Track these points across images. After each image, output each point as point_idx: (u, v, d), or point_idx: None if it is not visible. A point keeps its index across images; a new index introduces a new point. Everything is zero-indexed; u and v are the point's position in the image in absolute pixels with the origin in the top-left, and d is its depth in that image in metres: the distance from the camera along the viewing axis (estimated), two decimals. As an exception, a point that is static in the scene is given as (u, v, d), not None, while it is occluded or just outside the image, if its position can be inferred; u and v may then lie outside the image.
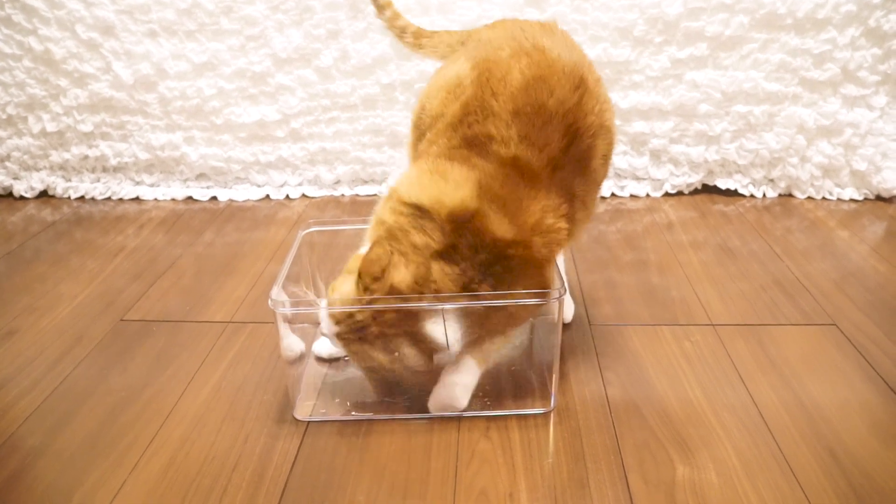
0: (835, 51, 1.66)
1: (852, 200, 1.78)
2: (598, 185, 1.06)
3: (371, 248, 0.90)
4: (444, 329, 1.20)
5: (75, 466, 0.93)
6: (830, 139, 1.75)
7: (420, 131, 1.08)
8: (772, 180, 1.82)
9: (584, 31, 1.68)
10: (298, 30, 1.72)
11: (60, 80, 1.79)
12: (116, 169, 1.92)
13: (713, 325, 1.22)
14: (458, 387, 0.99)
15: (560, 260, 1.30)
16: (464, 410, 1.01)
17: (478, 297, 0.94)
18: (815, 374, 1.08)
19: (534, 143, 0.93)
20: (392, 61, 1.73)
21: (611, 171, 1.83)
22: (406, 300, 0.92)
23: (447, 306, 0.93)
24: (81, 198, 1.90)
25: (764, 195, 1.81)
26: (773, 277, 1.39)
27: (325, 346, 1.13)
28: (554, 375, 1.04)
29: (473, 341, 0.98)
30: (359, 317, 0.91)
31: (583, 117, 0.96)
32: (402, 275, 0.90)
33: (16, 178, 1.93)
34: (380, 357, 0.93)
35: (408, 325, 0.92)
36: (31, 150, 1.89)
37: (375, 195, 1.85)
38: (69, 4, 1.72)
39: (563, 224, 0.95)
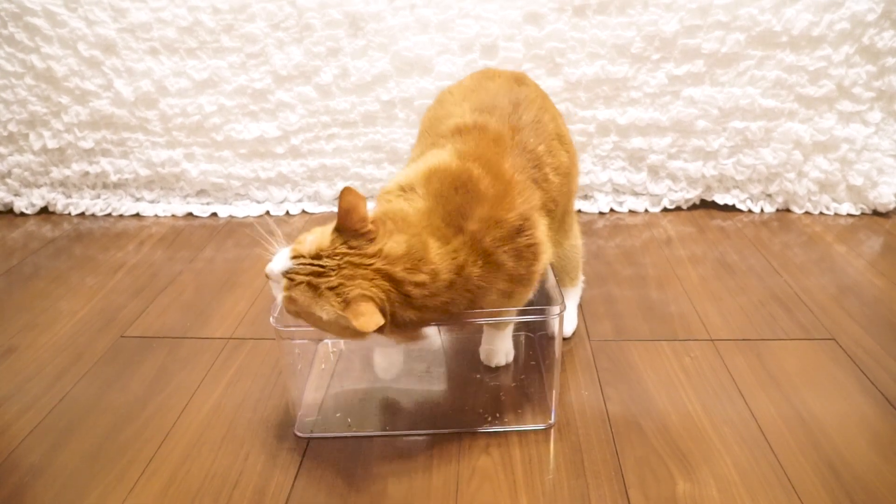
0: (830, 68, 1.68)
1: (849, 215, 1.79)
2: (564, 172, 1.05)
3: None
4: (441, 344, 1.21)
5: (75, 485, 0.92)
6: (827, 155, 1.76)
7: None
8: (769, 195, 1.83)
9: (582, 49, 1.69)
10: (299, 47, 1.74)
11: (62, 98, 1.80)
12: (117, 185, 1.92)
13: (712, 340, 1.22)
14: (492, 350, 1.13)
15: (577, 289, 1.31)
16: (466, 427, 1.01)
17: (483, 315, 0.95)
18: (813, 389, 1.08)
19: (484, 110, 1.02)
20: (391, 78, 1.75)
21: (609, 187, 1.84)
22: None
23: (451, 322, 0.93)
24: (82, 214, 1.91)
25: (762, 210, 1.82)
26: (772, 292, 1.39)
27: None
28: (554, 391, 1.04)
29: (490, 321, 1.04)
30: (325, 261, 0.85)
31: (525, 94, 1.04)
32: (396, 243, 0.86)
33: (16, 194, 1.93)
34: (319, 310, 0.85)
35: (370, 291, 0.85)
36: (31, 167, 1.89)
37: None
38: (71, 23, 1.73)
39: (530, 183, 0.95)
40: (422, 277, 0.85)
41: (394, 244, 0.85)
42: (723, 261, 1.54)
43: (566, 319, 1.23)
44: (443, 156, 0.96)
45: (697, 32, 1.67)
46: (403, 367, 1.16)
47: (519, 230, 0.91)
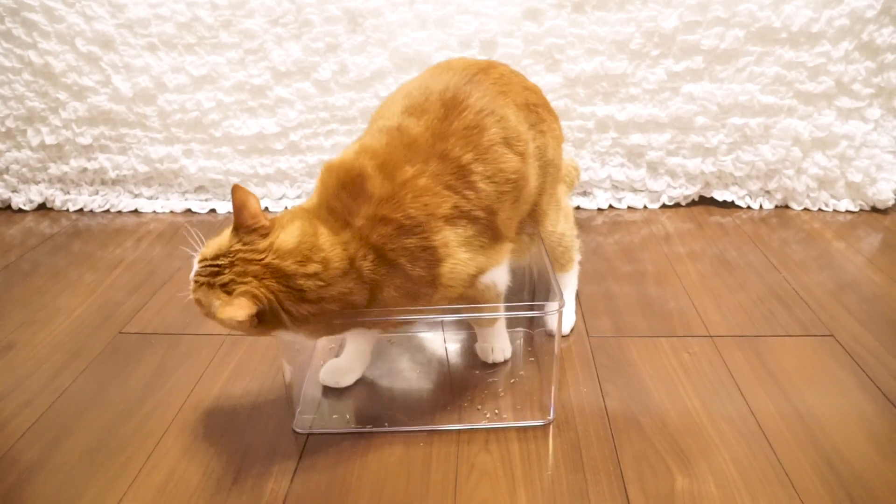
0: (829, 64, 1.67)
1: (848, 212, 1.79)
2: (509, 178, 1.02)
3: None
4: (443, 339, 1.21)
5: (74, 481, 0.92)
6: (826, 151, 1.76)
7: None
8: (768, 192, 1.83)
9: (581, 45, 1.69)
10: (297, 43, 1.73)
11: (60, 94, 1.80)
12: (115, 182, 1.92)
13: (711, 336, 1.22)
14: (486, 347, 1.15)
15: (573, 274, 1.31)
16: (465, 423, 1.01)
17: (475, 311, 0.95)
18: (812, 385, 1.08)
19: (413, 113, 1.00)
20: (390, 74, 1.74)
21: (608, 184, 1.84)
22: (405, 312, 0.93)
23: (446, 318, 0.94)
24: (80, 210, 1.91)
25: (760, 207, 1.82)
26: (770, 288, 1.39)
27: (332, 373, 1.12)
28: (553, 387, 1.04)
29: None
30: (221, 260, 0.88)
31: (467, 97, 1.00)
32: (287, 235, 0.88)
33: (14, 190, 1.93)
34: (213, 308, 0.88)
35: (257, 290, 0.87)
36: (29, 163, 1.89)
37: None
38: (69, 18, 1.73)
39: (441, 189, 0.93)
40: (313, 268, 0.86)
41: (285, 237, 0.88)
42: (721, 257, 1.54)
43: (564, 316, 1.22)
44: (347, 151, 0.98)
45: (697, 28, 1.67)
46: (397, 366, 1.16)
47: (408, 231, 0.90)
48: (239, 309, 0.83)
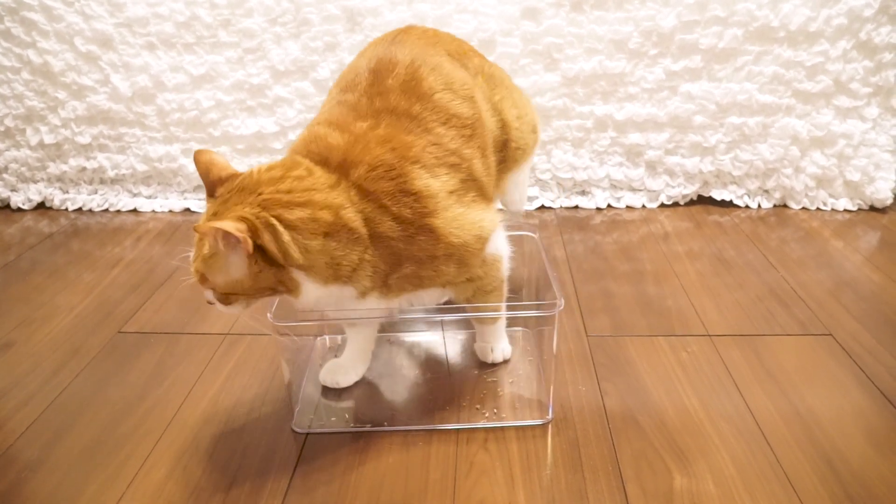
0: (827, 63, 1.68)
1: (846, 211, 1.79)
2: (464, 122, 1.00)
3: None
4: (442, 338, 1.21)
5: (73, 479, 0.92)
6: (824, 150, 1.76)
7: None
8: (766, 191, 1.83)
9: (580, 44, 1.69)
10: (296, 42, 1.73)
11: (59, 93, 1.80)
12: (114, 181, 1.92)
13: (709, 335, 1.23)
14: (485, 347, 1.14)
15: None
16: (464, 422, 1.01)
17: (476, 310, 0.95)
18: (810, 384, 1.08)
19: (347, 89, 1.00)
20: (389, 74, 1.74)
21: (606, 183, 1.84)
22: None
23: (446, 317, 0.94)
24: (79, 209, 1.91)
25: (759, 206, 1.82)
26: (769, 287, 1.39)
27: (333, 374, 1.11)
28: (551, 386, 1.05)
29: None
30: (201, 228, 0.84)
31: (392, 56, 0.99)
32: (270, 172, 0.87)
33: (13, 189, 1.93)
34: (205, 265, 0.85)
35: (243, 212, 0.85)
36: (28, 162, 1.89)
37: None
38: (68, 17, 1.73)
39: (403, 135, 0.92)
40: (302, 212, 0.84)
41: (268, 173, 0.86)
42: (720, 256, 1.54)
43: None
44: (304, 133, 0.98)
45: (695, 28, 1.67)
46: (396, 365, 1.16)
47: (383, 174, 0.88)
48: (229, 221, 0.79)
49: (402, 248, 0.90)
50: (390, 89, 0.96)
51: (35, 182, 1.93)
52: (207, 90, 1.79)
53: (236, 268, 0.83)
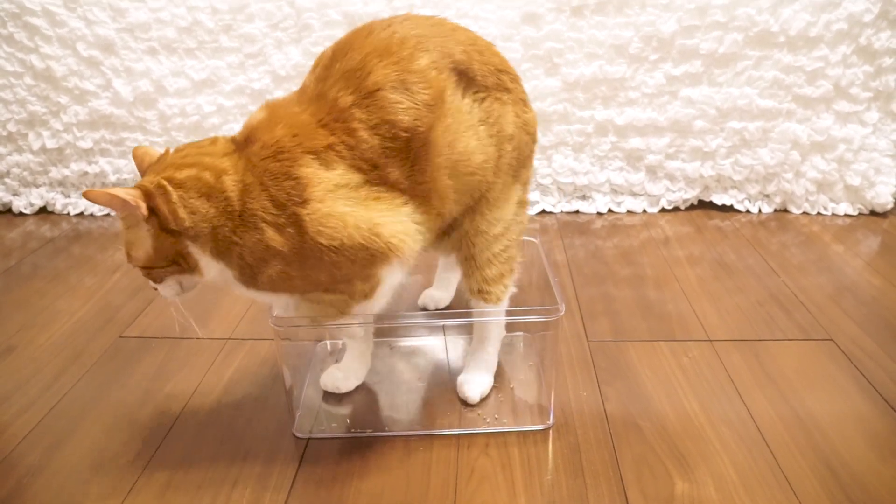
0: (827, 68, 1.68)
1: (847, 215, 1.79)
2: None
3: None
4: (444, 343, 1.21)
5: (74, 485, 0.92)
6: (824, 155, 1.76)
7: None
8: (767, 195, 1.84)
9: (580, 49, 1.70)
10: (297, 47, 1.74)
11: (61, 98, 1.80)
12: (116, 185, 1.92)
13: (710, 340, 1.23)
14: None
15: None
16: (465, 427, 1.01)
17: (481, 315, 0.95)
18: (811, 389, 1.08)
19: (313, 70, 0.94)
20: (390, 78, 1.75)
21: (607, 188, 1.84)
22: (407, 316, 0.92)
23: (447, 322, 0.93)
24: (80, 214, 1.91)
25: (759, 210, 1.83)
26: (770, 292, 1.39)
27: (333, 379, 1.11)
28: (552, 391, 1.05)
29: None
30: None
31: (360, 39, 0.91)
32: (178, 150, 0.90)
33: (15, 194, 1.93)
34: (130, 244, 0.87)
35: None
36: (30, 167, 1.89)
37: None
38: (70, 23, 1.73)
39: (316, 127, 0.86)
40: (189, 171, 0.85)
41: (175, 153, 0.89)
42: (721, 261, 1.54)
43: (474, 383, 1.07)
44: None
45: (695, 33, 1.67)
46: (397, 370, 1.16)
47: (273, 155, 0.85)
48: (121, 188, 0.81)
49: (270, 236, 0.83)
50: (333, 75, 0.89)
51: (37, 186, 1.93)
52: (209, 95, 1.80)
53: (143, 238, 0.85)
